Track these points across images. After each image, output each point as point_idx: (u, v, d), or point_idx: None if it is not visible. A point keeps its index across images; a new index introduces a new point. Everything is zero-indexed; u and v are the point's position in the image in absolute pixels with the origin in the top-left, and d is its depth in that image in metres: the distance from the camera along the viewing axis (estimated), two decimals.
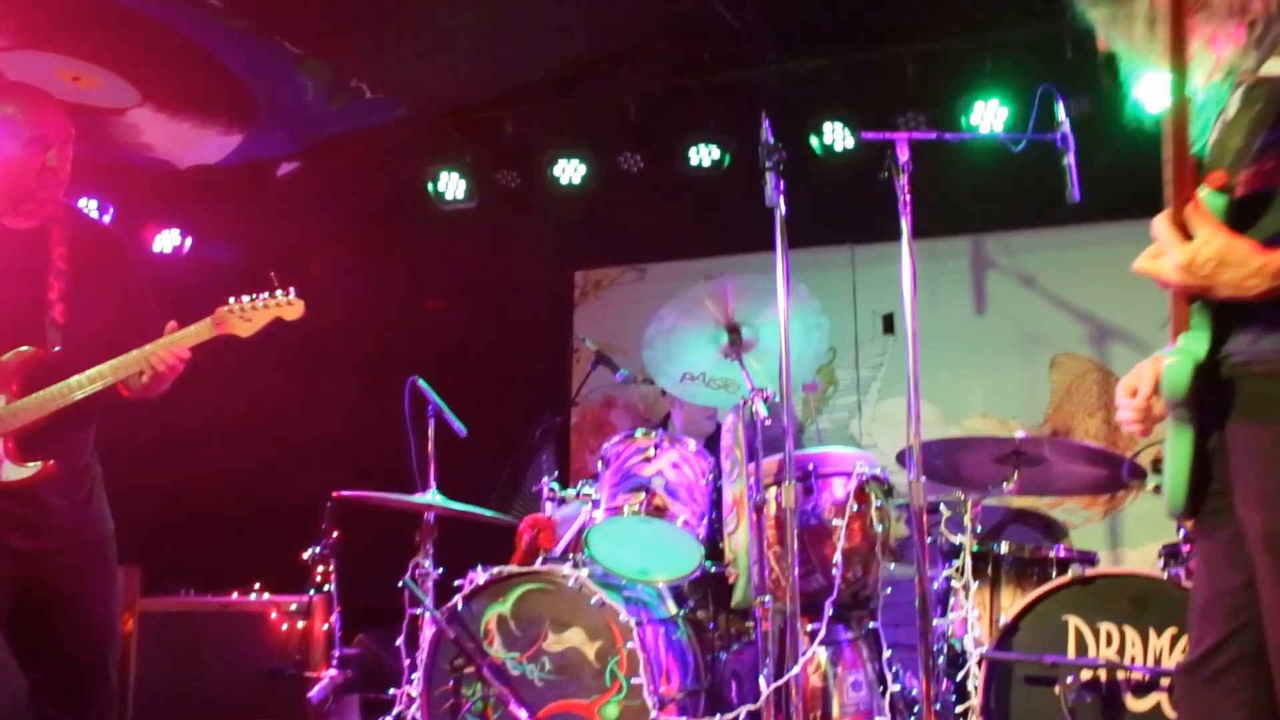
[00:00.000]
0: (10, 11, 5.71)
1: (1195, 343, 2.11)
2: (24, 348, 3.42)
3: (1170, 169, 2.02)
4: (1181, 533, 4.24)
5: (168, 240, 7.79)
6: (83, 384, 3.43)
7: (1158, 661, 3.94)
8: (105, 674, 3.54)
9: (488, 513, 4.88)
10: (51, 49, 6.02)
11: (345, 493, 4.61)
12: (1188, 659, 2.26)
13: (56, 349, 3.45)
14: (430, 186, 7.32)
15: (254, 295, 3.61)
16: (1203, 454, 2.17)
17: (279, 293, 3.63)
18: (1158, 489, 4.47)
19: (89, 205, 7.19)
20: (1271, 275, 1.98)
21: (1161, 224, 2.05)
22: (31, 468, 3.38)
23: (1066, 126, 4.04)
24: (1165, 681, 3.87)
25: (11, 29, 5.82)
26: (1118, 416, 2.40)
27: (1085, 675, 3.94)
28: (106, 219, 7.20)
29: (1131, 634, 4.00)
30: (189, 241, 7.79)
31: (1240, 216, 2.06)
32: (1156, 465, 4.65)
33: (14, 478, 3.36)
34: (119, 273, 3.71)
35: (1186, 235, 2.02)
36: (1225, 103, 2.19)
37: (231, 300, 3.60)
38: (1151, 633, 3.97)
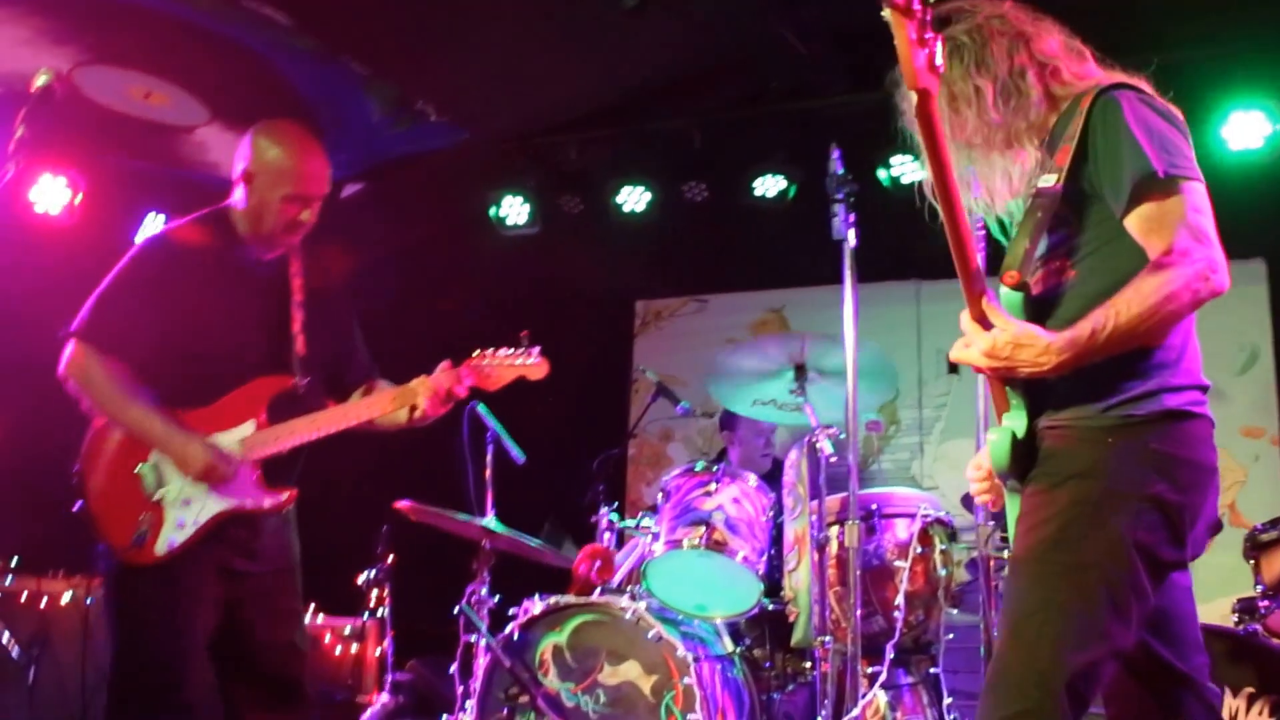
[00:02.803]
0: (87, 28, 5.80)
1: (1014, 420, 2.41)
2: (280, 382, 3.51)
3: (960, 276, 2.32)
4: (1259, 587, 4.11)
5: None
6: (331, 420, 3.51)
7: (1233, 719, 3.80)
8: (303, 694, 3.61)
9: (535, 542, 4.82)
10: (126, 65, 6.09)
11: (403, 503, 4.58)
12: None
13: (302, 380, 3.54)
14: (493, 211, 7.35)
15: (502, 351, 3.70)
16: None
17: (523, 352, 3.71)
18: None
19: (156, 221, 7.24)
20: (1058, 352, 2.26)
21: (965, 319, 2.35)
22: (279, 499, 3.50)
23: None
24: None
25: (88, 45, 5.89)
26: (972, 490, 2.67)
27: None
28: None
29: None
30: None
31: (1038, 311, 2.40)
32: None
33: (261, 506, 3.47)
34: (338, 312, 3.80)
35: (987, 327, 2.32)
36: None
37: (477, 352, 3.69)
38: (1226, 691, 3.83)
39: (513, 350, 3.70)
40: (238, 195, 3.56)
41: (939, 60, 2.09)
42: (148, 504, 3.36)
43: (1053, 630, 2.27)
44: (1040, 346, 2.27)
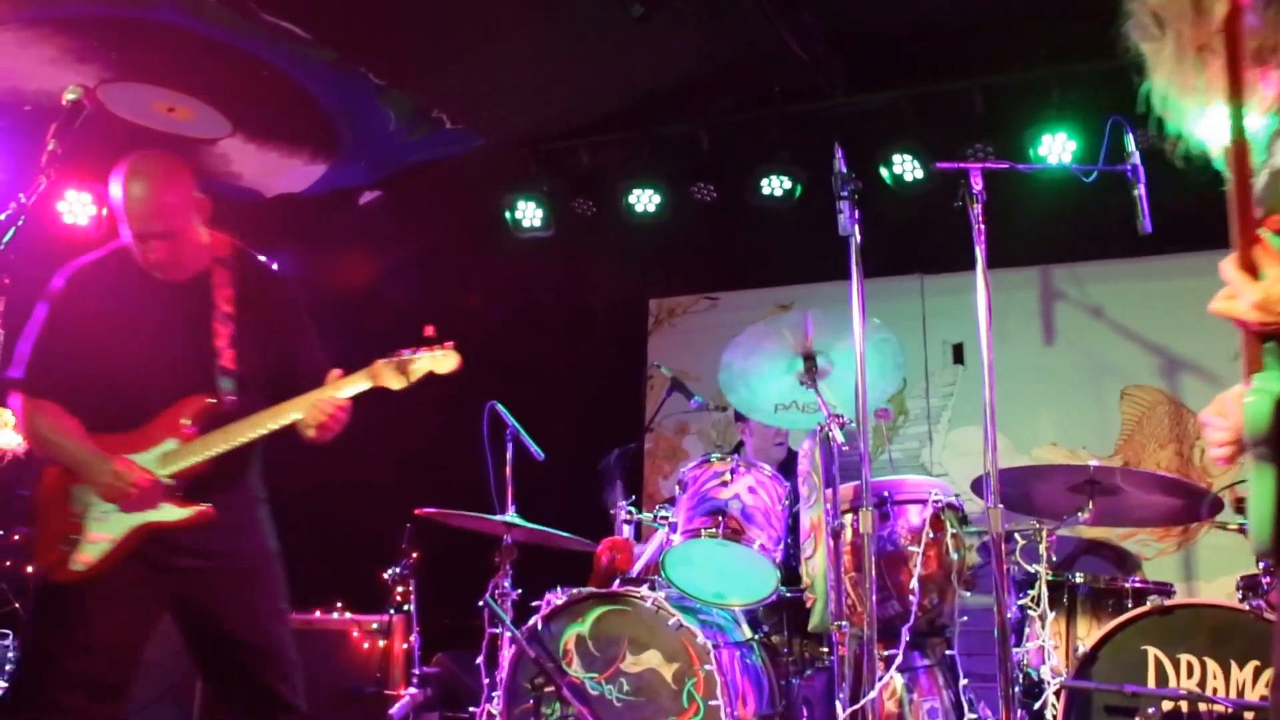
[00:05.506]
0: (110, 46, 5.93)
1: (1273, 381, 2.08)
2: (202, 400, 3.45)
3: (1234, 213, 2.00)
4: (1261, 565, 4.21)
5: None
6: (244, 431, 3.45)
7: (1240, 695, 3.88)
8: (283, 701, 3.54)
9: (564, 534, 4.93)
10: (149, 81, 6.23)
11: (426, 510, 4.69)
12: None
13: (231, 397, 3.47)
14: (508, 215, 7.47)
15: (410, 350, 3.54)
16: None
17: (433, 348, 3.55)
18: (1242, 529, 4.47)
19: None
20: None
21: (1229, 267, 2.02)
22: (190, 511, 3.42)
23: (1137, 158, 3.97)
24: (1249, 716, 3.81)
25: (112, 62, 6.03)
26: (1207, 437, 2.32)
27: (1166, 706, 3.90)
28: None
29: (1213, 666, 3.95)
30: (274, 268, 7.96)
31: None
32: (1240, 506, 4.63)
33: (172, 519, 3.41)
34: (284, 314, 3.71)
35: (1254, 276, 2.00)
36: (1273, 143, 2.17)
37: (390, 355, 3.55)
38: (1233, 665, 3.92)
39: (420, 349, 3.55)
40: None
41: None
42: (74, 525, 3.41)
43: None
44: None
